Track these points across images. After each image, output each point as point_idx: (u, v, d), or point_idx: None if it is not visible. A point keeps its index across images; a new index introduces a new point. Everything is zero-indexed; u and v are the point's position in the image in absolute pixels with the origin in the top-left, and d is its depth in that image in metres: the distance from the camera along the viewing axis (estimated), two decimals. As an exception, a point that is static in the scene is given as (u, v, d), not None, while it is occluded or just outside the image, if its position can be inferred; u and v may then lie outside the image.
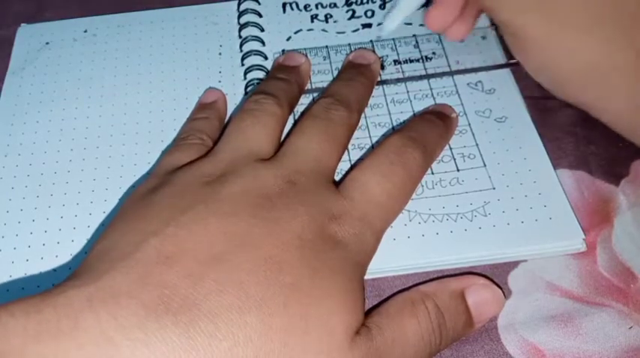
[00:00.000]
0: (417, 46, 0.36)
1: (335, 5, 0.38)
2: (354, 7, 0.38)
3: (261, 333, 0.20)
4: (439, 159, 0.30)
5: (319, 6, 0.38)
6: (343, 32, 0.37)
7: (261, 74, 0.35)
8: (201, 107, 0.33)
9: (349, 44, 0.36)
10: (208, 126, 0.31)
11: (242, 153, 0.27)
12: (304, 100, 0.33)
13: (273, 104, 0.29)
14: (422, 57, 0.35)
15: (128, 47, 0.37)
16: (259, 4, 0.39)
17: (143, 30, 0.38)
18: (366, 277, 0.25)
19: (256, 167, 0.26)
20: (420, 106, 0.33)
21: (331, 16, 0.38)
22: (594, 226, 0.28)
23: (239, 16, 0.38)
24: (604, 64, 0.27)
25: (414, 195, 0.29)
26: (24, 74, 0.36)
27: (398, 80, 0.34)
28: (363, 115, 0.32)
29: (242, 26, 0.37)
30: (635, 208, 0.29)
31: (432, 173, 0.30)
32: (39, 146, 0.32)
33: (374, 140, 0.31)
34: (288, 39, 0.37)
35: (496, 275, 0.27)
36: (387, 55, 0.35)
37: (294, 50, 0.36)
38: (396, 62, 0.35)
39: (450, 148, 0.31)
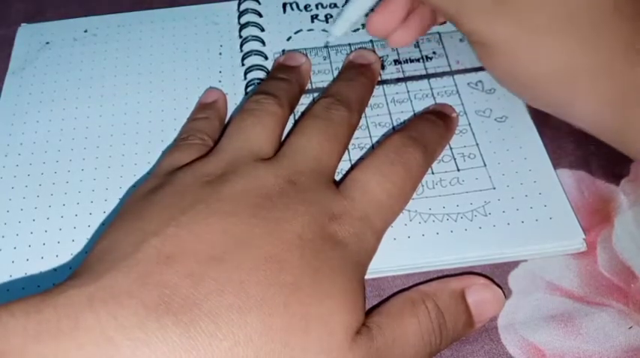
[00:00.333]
0: (417, 45, 0.36)
1: (335, 5, 0.38)
2: (354, 7, 0.38)
3: (261, 333, 0.20)
4: (439, 158, 0.30)
5: (319, 6, 0.38)
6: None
7: (261, 74, 0.35)
8: (202, 107, 0.33)
9: (349, 44, 0.36)
10: (209, 126, 0.31)
11: (242, 153, 0.27)
12: (305, 100, 0.33)
13: (274, 104, 0.29)
14: (422, 57, 0.35)
15: (128, 47, 0.37)
16: (259, 4, 0.39)
17: (143, 30, 0.38)
18: (366, 277, 0.25)
19: (257, 167, 0.26)
20: (420, 106, 0.33)
21: (331, 16, 0.38)
22: (594, 226, 0.28)
23: (239, 16, 0.38)
24: (572, 65, 0.27)
25: (414, 195, 0.29)
26: (24, 74, 0.36)
27: (398, 80, 0.34)
28: (363, 115, 0.32)
29: (242, 26, 0.37)
30: (636, 208, 0.29)
31: (433, 173, 0.30)
32: (39, 146, 0.32)
33: (374, 140, 0.31)
34: (288, 39, 0.37)
35: (496, 275, 0.27)
36: (387, 55, 0.35)
37: (294, 50, 0.36)
38: (397, 62, 0.35)
39: (451, 148, 0.31)
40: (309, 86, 0.34)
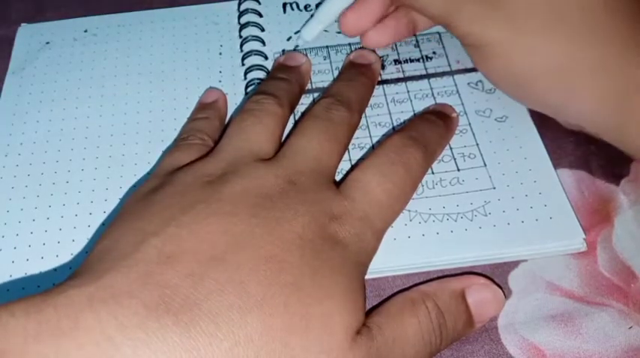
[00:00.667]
0: (417, 45, 0.36)
1: (335, 5, 0.38)
2: (354, 6, 0.38)
3: (262, 333, 0.20)
4: (439, 158, 0.30)
5: (319, 5, 0.38)
6: (343, 32, 0.37)
7: (261, 74, 0.35)
8: (202, 107, 0.33)
9: (349, 44, 0.36)
10: (209, 126, 0.31)
11: (243, 153, 0.27)
12: (305, 100, 0.33)
13: (274, 104, 0.29)
14: (422, 56, 0.35)
15: (128, 47, 0.37)
16: (259, 4, 0.39)
17: (143, 30, 0.38)
18: (366, 277, 0.25)
19: (257, 167, 0.26)
20: (420, 106, 0.33)
21: (331, 16, 0.38)
22: (594, 226, 0.28)
23: (239, 16, 0.38)
24: (567, 65, 0.27)
25: (414, 195, 0.29)
26: (24, 74, 0.36)
27: (398, 80, 0.34)
28: (363, 115, 0.32)
29: (242, 26, 0.37)
30: (636, 207, 0.29)
31: (433, 173, 0.30)
32: (39, 146, 0.32)
33: (374, 140, 0.31)
34: (288, 39, 0.37)
35: (496, 275, 0.27)
36: (388, 55, 0.35)
37: (294, 50, 0.36)
38: (397, 62, 0.35)
39: (451, 148, 0.31)
40: (309, 86, 0.34)
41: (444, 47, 0.35)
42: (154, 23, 0.38)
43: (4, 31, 0.38)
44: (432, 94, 0.33)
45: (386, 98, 0.33)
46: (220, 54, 0.37)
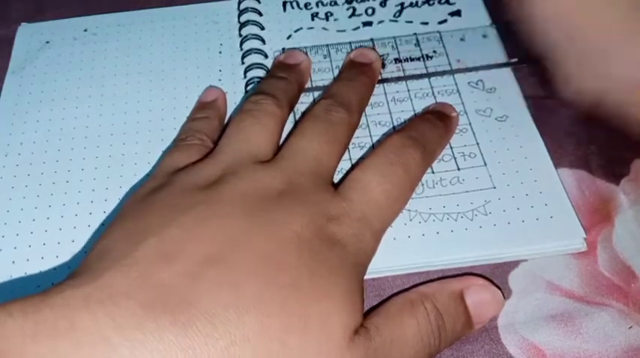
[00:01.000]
0: (417, 44, 0.35)
1: (335, 3, 0.38)
2: (354, 4, 0.38)
3: (258, 333, 0.20)
4: (440, 158, 0.30)
5: (320, 4, 0.38)
6: (344, 30, 0.37)
7: (261, 72, 0.35)
8: (201, 106, 0.33)
9: (350, 42, 0.36)
10: (208, 126, 0.31)
11: (241, 155, 0.27)
12: (305, 99, 0.33)
13: (272, 104, 0.29)
14: (423, 55, 0.35)
15: (128, 46, 0.37)
16: (259, 2, 0.39)
17: (143, 29, 0.38)
18: (366, 277, 0.25)
19: (255, 169, 0.26)
20: (420, 105, 0.33)
21: (332, 14, 0.38)
22: (595, 225, 0.28)
23: (239, 15, 0.38)
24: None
25: (414, 195, 0.29)
26: (24, 74, 0.36)
27: (399, 79, 0.34)
28: (363, 114, 0.32)
29: (242, 25, 0.37)
30: (636, 207, 0.29)
31: (433, 172, 0.30)
32: (39, 145, 0.32)
33: (374, 139, 0.31)
34: (288, 37, 0.37)
35: (496, 276, 0.27)
36: (388, 54, 0.35)
37: (294, 48, 0.36)
38: (397, 60, 0.35)
39: (451, 147, 0.31)
40: (309, 85, 0.34)
41: (444, 46, 0.35)
42: (153, 22, 0.38)
43: (4, 30, 0.38)
44: (433, 93, 0.33)
45: (386, 97, 0.33)
46: (220, 52, 0.36)
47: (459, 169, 0.30)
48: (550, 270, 0.27)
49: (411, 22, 0.37)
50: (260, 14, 0.38)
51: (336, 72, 0.34)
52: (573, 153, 0.31)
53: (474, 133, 0.31)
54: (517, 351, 0.25)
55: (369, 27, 0.37)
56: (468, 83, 0.33)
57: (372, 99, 0.33)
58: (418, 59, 0.35)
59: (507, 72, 0.34)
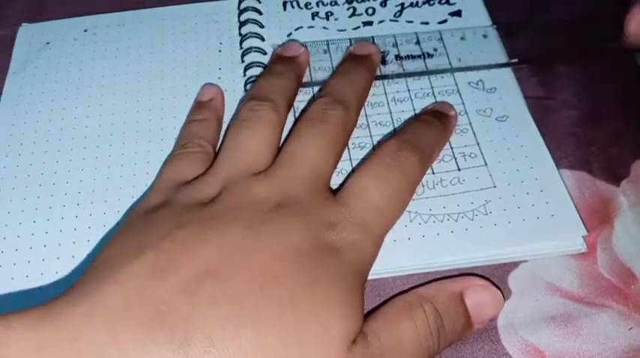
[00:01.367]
0: (417, 43, 0.35)
1: (336, 3, 0.38)
2: (354, 4, 0.38)
3: (257, 347, 0.20)
4: (440, 158, 0.30)
5: (320, 4, 0.38)
6: (344, 30, 0.37)
7: (260, 71, 0.35)
8: (198, 106, 0.33)
9: (349, 39, 0.36)
10: (206, 129, 0.31)
11: (238, 169, 0.27)
12: (304, 97, 0.33)
13: (269, 110, 0.29)
14: (423, 54, 0.35)
15: (128, 46, 0.37)
16: (260, 2, 0.39)
17: (143, 28, 0.38)
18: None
19: (251, 182, 0.26)
20: (421, 105, 0.33)
21: (332, 14, 0.38)
22: (595, 227, 0.28)
23: (239, 14, 0.38)
24: None
25: (414, 196, 0.29)
26: (25, 74, 0.36)
27: (398, 75, 0.34)
28: (363, 114, 0.32)
29: (242, 23, 0.37)
30: (636, 209, 0.29)
31: (433, 172, 0.30)
32: (39, 145, 0.32)
33: (374, 139, 0.31)
34: (288, 35, 0.37)
35: (496, 276, 0.27)
36: (388, 51, 0.35)
37: (293, 40, 0.36)
38: (398, 57, 0.34)
39: (451, 147, 0.31)
40: (309, 79, 0.34)
41: (444, 46, 0.35)
42: (153, 22, 0.38)
43: (5, 31, 0.38)
44: (433, 94, 0.33)
45: (387, 97, 0.33)
46: (220, 51, 0.36)
47: (459, 169, 0.30)
48: (550, 271, 0.27)
49: (411, 21, 0.37)
50: (260, 13, 0.38)
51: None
52: (573, 154, 0.31)
53: (474, 133, 0.31)
54: (517, 352, 0.25)
55: (369, 26, 0.37)
56: (469, 83, 0.33)
57: (372, 99, 0.33)
58: (419, 57, 0.35)
59: (508, 72, 0.34)
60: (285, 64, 0.33)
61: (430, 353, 0.23)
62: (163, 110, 0.34)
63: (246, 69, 0.35)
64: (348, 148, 0.31)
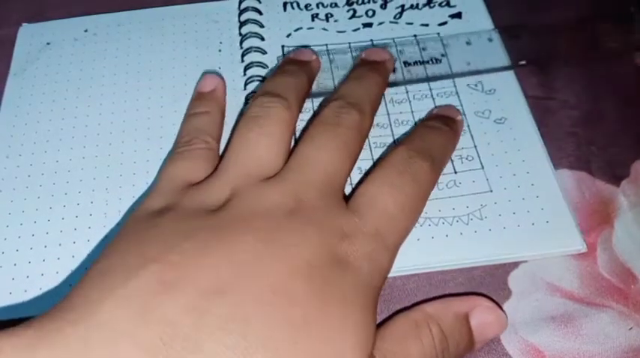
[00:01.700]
0: (424, 49, 0.35)
1: (336, 5, 0.38)
2: (354, 6, 0.38)
3: None
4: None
5: (320, 5, 0.38)
6: (344, 31, 0.37)
7: (260, 71, 0.35)
8: (200, 97, 0.32)
9: (349, 43, 0.36)
10: (210, 123, 0.30)
11: (247, 173, 0.25)
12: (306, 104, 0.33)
13: (280, 107, 0.28)
14: (431, 59, 0.34)
15: (128, 46, 0.37)
16: (260, 2, 0.39)
17: (143, 28, 0.38)
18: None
19: (262, 187, 0.25)
20: (419, 106, 0.32)
21: (332, 15, 0.38)
22: (595, 227, 0.28)
23: (239, 14, 0.38)
24: None
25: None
26: (25, 75, 0.36)
27: (407, 82, 0.33)
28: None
29: (242, 23, 0.37)
30: (636, 209, 0.29)
31: (430, 175, 0.30)
32: (40, 146, 0.32)
33: (372, 141, 0.31)
34: (288, 35, 0.37)
35: (496, 276, 0.27)
36: (396, 58, 0.34)
37: (294, 47, 0.36)
38: (406, 64, 0.34)
39: (448, 150, 0.31)
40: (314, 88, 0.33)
41: (446, 53, 0.34)
42: (153, 22, 0.38)
43: (5, 31, 0.38)
44: (431, 95, 0.33)
45: (384, 98, 0.33)
46: (220, 51, 0.36)
47: (455, 172, 0.30)
48: (550, 271, 0.27)
49: (411, 23, 0.37)
50: (260, 13, 0.38)
51: (335, 76, 0.34)
52: (573, 154, 0.31)
53: (471, 135, 0.31)
54: (517, 352, 0.25)
55: (369, 28, 0.37)
56: (467, 85, 0.33)
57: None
58: (428, 62, 0.34)
59: (508, 73, 0.34)
60: (297, 65, 0.32)
61: None
62: (163, 108, 0.34)
63: (246, 69, 0.35)
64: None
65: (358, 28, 0.37)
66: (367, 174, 0.28)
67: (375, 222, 0.24)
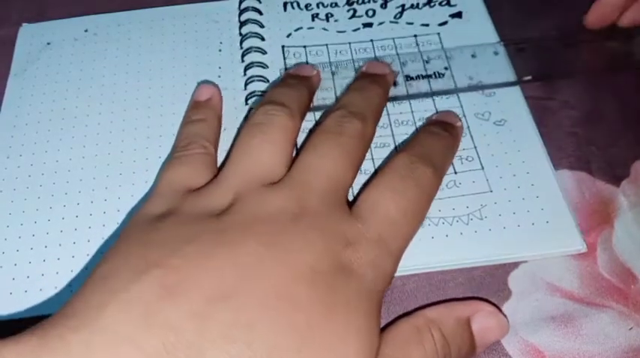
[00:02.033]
0: (428, 61, 0.34)
1: (336, 5, 0.38)
2: (355, 6, 0.38)
3: None
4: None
5: (320, 5, 0.38)
6: (344, 31, 0.37)
7: (260, 71, 0.35)
8: (197, 106, 0.32)
9: (349, 43, 0.36)
10: (207, 129, 0.30)
11: (250, 178, 0.25)
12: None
13: (284, 116, 0.28)
14: (434, 73, 0.34)
15: (129, 46, 0.37)
16: (260, 2, 0.39)
17: (143, 28, 0.38)
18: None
19: (265, 193, 0.24)
20: (419, 106, 0.33)
21: (332, 15, 0.38)
22: (595, 227, 0.28)
23: (240, 14, 0.38)
24: None
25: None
26: (26, 75, 0.36)
27: (410, 97, 0.33)
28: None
29: (242, 23, 0.37)
30: (636, 209, 0.29)
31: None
32: (40, 146, 0.32)
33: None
34: (288, 35, 0.37)
35: (496, 276, 0.27)
36: (398, 72, 0.34)
37: (293, 47, 0.36)
38: (409, 78, 0.33)
39: (448, 151, 0.31)
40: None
41: (450, 66, 0.34)
42: (153, 22, 0.38)
43: (5, 31, 0.38)
44: (431, 97, 0.33)
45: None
46: (220, 51, 0.36)
47: (455, 173, 0.30)
48: (550, 271, 0.27)
49: (411, 23, 0.37)
50: (260, 13, 0.38)
51: (336, 85, 0.33)
52: (574, 155, 0.31)
53: (471, 137, 0.31)
54: (517, 352, 0.25)
55: (369, 28, 0.37)
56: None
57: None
58: (431, 76, 0.33)
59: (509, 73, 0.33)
60: (299, 79, 0.32)
61: None
62: (163, 106, 0.34)
63: (246, 69, 0.35)
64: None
65: (358, 28, 0.37)
66: (367, 174, 0.29)
67: (378, 228, 0.24)
